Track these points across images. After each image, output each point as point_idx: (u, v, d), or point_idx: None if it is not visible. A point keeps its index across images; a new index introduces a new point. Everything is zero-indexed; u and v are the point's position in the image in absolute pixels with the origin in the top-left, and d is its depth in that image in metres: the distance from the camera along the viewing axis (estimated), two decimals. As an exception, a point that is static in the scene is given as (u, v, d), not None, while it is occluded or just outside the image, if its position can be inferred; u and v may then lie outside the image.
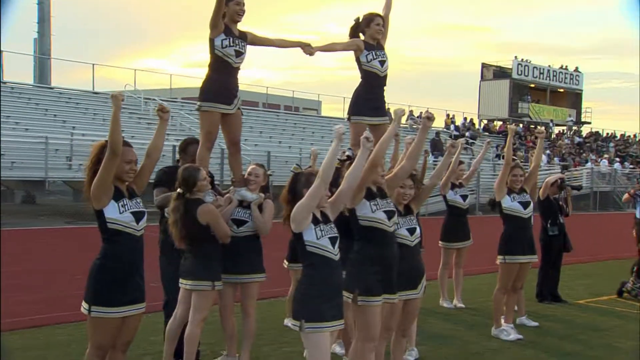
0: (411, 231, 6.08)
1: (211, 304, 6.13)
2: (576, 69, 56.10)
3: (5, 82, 27.70)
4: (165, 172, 6.50)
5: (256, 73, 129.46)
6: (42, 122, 24.97)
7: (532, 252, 8.20)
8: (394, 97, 33.97)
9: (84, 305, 4.92)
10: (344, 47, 6.99)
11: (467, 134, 39.28)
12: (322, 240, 4.93)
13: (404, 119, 32.92)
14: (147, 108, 29.52)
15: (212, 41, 6.33)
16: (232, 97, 6.45)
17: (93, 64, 31.27)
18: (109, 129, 4.83)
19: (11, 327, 7.73)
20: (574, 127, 52.97)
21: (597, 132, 53.18)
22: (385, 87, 7.10)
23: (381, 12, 7.08)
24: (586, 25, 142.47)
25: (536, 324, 8.76)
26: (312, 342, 4.90)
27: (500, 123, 47.41)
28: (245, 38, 6.47)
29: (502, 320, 8.15)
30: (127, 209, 4.94)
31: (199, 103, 6.43)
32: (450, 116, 42.77)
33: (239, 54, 6.40)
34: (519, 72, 51.33)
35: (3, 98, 25.63)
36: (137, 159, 5.14)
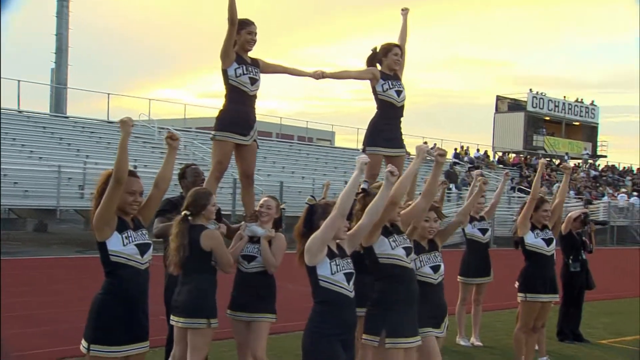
0: (435, 269, 5.76)
1: (209, 341, 5.80)
2: (592, 103, 55.77)
3: (21, 111, 27.74)
4: (170, 202, 6.26)
5: (270, 103, 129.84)
6: (56, 151, 24.96)
7: (554, 290, 7.82)
8: (408, 129, 33.67)
9: (83, 343, 4.63)
10: (358, 75, 6.80)
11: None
12: (336, 276, 4.63)
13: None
14: (161, 137, 29.17)
15: (225, 72, 6.16)
16: (248, 128, 6.26)
17: (108, 94, 31.18)
18: (116, 156, 4.56)
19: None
20: (590, 161, 52.49)
21: (613, 166, 52.68)
22: (401, 118, 6.86)
23: (398, 41, 6.87)
24: (602, 58, 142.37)
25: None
26: None
27: (514, 155, 47.10)
28: (258, 65, 6.29)
29: (523, 361, 7.78)
30: (131, 240, 4.65)
31: (213, 132, 6.24)
32: (464, 148, 42.52)
33: (254, 81, 6.21)
34: (534, 105, 51.03)
35: (20, 127, 25.94)
36: (143, 190, 4.88)
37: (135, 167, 23.38)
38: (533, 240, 7.63)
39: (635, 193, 42.54)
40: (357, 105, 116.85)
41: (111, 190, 4.51)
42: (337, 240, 4.78)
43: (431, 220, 5.76)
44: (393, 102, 6.71)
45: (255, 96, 6.29)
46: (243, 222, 6.29)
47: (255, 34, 6.24)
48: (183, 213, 5.58)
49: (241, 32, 6.13)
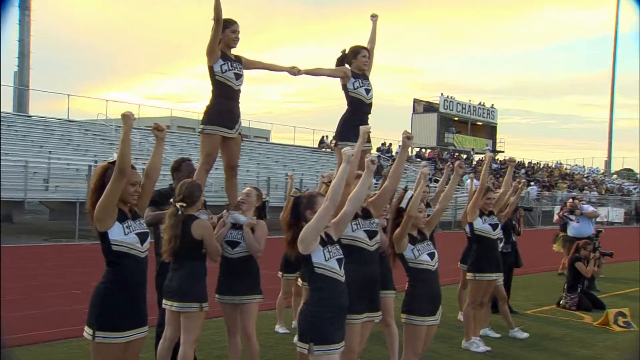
0: (431, 256, 5.38)
1: (201, 323, 5.40)
2: (492, 106, 56.76)
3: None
4: (161, 193, 5.80)
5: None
6: (21, 148, 23.80)
7: (499, 269, 7.66)
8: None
9: (88, 330, 4.15)
10: (330, 73, 6.37)
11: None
12: (330, 262, 4.31)
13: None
14: (118, 135, 28.45)
15: (211, 68, 5.71)
16: (234, 122, 5.82)
17: (68, 95, 30.28)
18: (119, 150, 4.10)
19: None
20: (491, 154, 53.30)
21: (508, 158, 53.59)
22: (369, 115, 6.55)
23: (367, 45, 6.54)
24: (500, 69, 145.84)
25: (499, 335, 8.27)
26: None
27: (429, 151, 47.54)
28: (241, 61, 5.86)
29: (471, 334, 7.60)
30: (132, 230, 4.22)
31: (201, 126, 5.80)
32: (387, 144, 42.65)
33: (239, 77, 5.79)
34: (445, 107, 51.67)
35: None
36: (141, 181, 4.45)
37: (95, 162, 22.59)
38: (481, 225, 7.46)
39: (532, 183, 43.52)
40: (287, 107, 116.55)
41: (114, 183, 4.08)
42: (325, 229, 4.46)
43: (423, 210, 5.47)
44: (362, 100, 6.38)
45: (239, 91, 5.85)
46: (225, 210, 5.89)
47: (239, 32, 5.80)
48: (178, 205, 5.16)
49: (225, 31, 5.69)
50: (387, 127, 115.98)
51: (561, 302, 10.71)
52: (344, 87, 6.35)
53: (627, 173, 66.60)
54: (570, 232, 13.46)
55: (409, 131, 5.24)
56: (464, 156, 47.99)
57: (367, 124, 6.47)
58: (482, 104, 55.81)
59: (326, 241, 4.38)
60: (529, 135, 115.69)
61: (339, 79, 6.39)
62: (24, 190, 20.18)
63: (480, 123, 55.80)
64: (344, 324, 4.48)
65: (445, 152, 47.42)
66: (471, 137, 54.05)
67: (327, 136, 39.10)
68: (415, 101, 53.44)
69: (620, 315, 9.38)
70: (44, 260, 15.35)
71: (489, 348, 7.49)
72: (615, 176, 63.59)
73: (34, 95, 32.63)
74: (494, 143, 56.63)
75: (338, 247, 4.46)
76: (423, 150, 47.62)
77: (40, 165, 21.73)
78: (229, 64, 5.73)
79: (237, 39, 5.79)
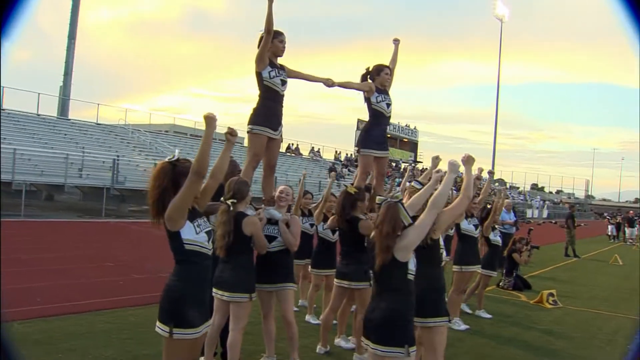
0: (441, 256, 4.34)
1: (249, 312, 4.25)
2: (414, 127, 56.34)
3: (39, 115, 24.84)
4: None
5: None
6: (63, 144, 22.11)
7: (479, 262, 6.78)
8: (297, 138, 32.33)
9: (163, 327, 2.95)
10: (359, 87, 5.19)
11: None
12: (414, 267, 3.19)
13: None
14: (134, 136, 27.63)
15: (259, 74, 4.53)
16: (278, 124, 4.64)
17: (98, 104, 28.94)
18: (200, 151, 2.93)
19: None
20: (413, 164, 53.04)
21: (426, 168, 53.26)
22: (388, 126, 5.47)
23: (389, 64, 5.45)
24: (417, 101, 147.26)
25: (470, 311, 7.33)
26: None
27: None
28: (284, 69, 4.68)
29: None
30: (202, 228, 3.07)
31: (250, 126, 4.55)
32: (338, 152, 41.83)
33: (284, 83, 4.61)
34: (381, 127, 50.97)
35: (39, 126, 23.17)
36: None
37: (117, 157, 21.03)
38: (467, 226, 6.52)
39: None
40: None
41: (192, 184, 2.93)
42: None
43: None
44: (383, 112, 5.28)
45: (284, 96, 4.68)
46: (262, 206, 4.73)
47: (285, 42, 4.64)
48: (230, 202, 4.01)
49: (274, 41, 4.54)
50: (339, 139, 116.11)
51: (500, 284, 9.88)
52: (367, 100, 5.23)
53: (502, 181, 68.64)
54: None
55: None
56: (394, 164, 47.40)
57: (385, 134, 5.44)
58: (407, 125, 55.22)
59: None
60: (434, 152, 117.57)
61: (361, 92, 5.26)
62: (64, 177, 18.93)
63: (406, 140, 55.16)
64: None
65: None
66: (399, 150, 53.42)
67: (292, 143, 38.02)
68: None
69: (550, 295, 8.81)
70: (78, 233, 13.82)
71: (468, 326, 6.55)
72: (497, 184, 64.77)
73: (73, 104, 30.51)
74: (416, 155, 56.12)
75: None
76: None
77: (76, 158, 20.33)
78: (276, 70, 4.56)
79: (284, 48, 4.61)
